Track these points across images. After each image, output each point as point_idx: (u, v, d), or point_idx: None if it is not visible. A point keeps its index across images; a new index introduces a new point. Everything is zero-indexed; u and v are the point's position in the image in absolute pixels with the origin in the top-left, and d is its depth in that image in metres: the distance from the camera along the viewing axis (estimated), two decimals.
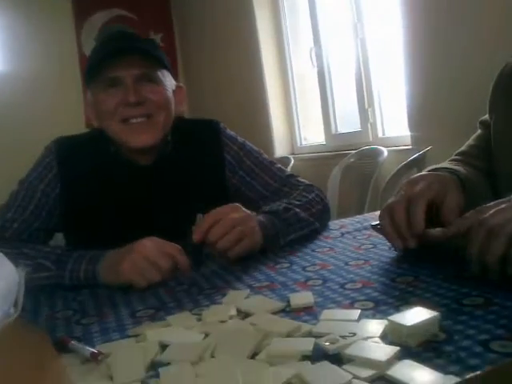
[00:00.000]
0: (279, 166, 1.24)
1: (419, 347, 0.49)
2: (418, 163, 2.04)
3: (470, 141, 1.03)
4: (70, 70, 3.76)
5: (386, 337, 0.52)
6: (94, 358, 0.55)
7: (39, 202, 1.08)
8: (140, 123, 1.07)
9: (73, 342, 0.60)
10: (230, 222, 0.89)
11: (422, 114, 2.31)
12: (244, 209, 0.95)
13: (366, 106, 2.83)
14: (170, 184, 1.14)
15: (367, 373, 0.45)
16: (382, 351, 0.47)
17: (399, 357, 0.47)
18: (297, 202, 1.08)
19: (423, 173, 0.85)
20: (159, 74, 1.10)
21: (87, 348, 0.57)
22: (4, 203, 1.10)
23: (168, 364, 0.52)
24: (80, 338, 0.65)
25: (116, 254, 0.90)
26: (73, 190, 1.10)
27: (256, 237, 0.93)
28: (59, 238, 1.20)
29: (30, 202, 1.08)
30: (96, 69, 1.06)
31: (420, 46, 2.25)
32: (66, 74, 3.77)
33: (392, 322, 0.52)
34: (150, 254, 0.86)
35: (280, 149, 3.42)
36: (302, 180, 1.21)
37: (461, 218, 0.71)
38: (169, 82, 1.13)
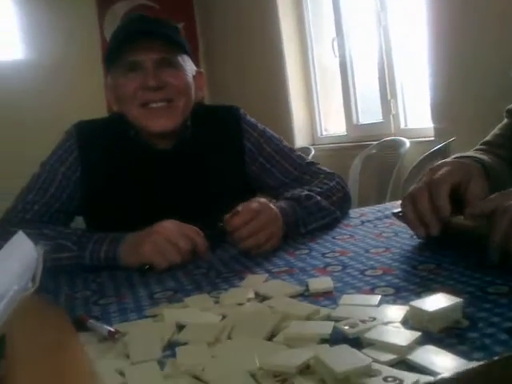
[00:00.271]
0: (299, 153, 1.22)
1: (441, 333, 0.48)
2: (442, 154, 2.01)
3: (496, 130, 1.01)
4: (92, 57, 3.77)
5: (406, 322, 0.51)
6: (111, 336, 0.55)
7: (60, 185, 1.09)
8: (160, 108, 1.06)
9: (91, 320, 0.60)
10: (259, 223, 0.88)
11: (445, 106, 2.27)
12: (272, 206, 0.94)
13: (389, 97, 2.79)
14: (188, 169, 1.13)
15: (387, 357, 0.44)
16: (402, 336, 0.46)
17: (420, 342, 0.46)
18: (318, 190, 1.06)
19: (446, 160, 0.83)
20: (179, 58, 1.09)
21: (105, 326, 0.57)
22: (25, 185, 1.11)
23: (184, 344, 0.52)
24: (98, 317, 0.65)
25: (136, 235, 0.90)
26: (93, 173, 1.11)
27: (280, 236, 0.93)
28: (79, 222, 1.21)
29: (51, 184, 1.09)
30: (116, 52, 1.06)
31: (445, 35, 2.20)
32: (88, 62, 3.79)
33: (413, 308, 0.50)
34: (170, 235, 0.86)
35: (300, 139, 3.40)
36: (323, 168, 1.19)
37: (485, 200, 0.69)
38: (189, 67, 1.12)
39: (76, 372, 0.46)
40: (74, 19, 3.90)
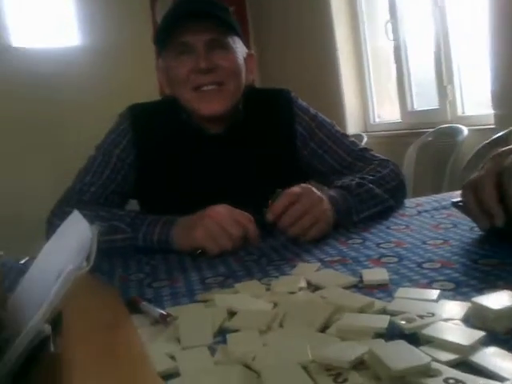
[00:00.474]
0: (352, 139, 1.19)
1: (508, 334, 0.45)
2: (503, 142, 1.91)
3: None
4: (144, 41, 3.81)
5: (468, 320, 0.48)
6: (163, 319, 0.55)
7: (114, 167, 1.11)
8: (210, 91, 1.06)
9: (144, 302, 0.61)
10: (302, 207, 0.86)
11: (507, 91, 2.15)
12: (315, 190, 0.92)
13: (445, 83, 2.68)
14: (240, 153, 1.13)
15: (448, 356, 0.41)
16: (464, 335, 0.44)
17: (484, 343, 0.43)
18: (370, 177, 1.03)
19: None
20: (230, 40, 1.08)
21: (157, 309, 0.57)
22: (82, 167, 1.13)
23: (235, 331, 0.52)
24: (151, 300, 0.65)
25: (189, 219, 0.91)
26: (146, 156, 1.12)
27: (328, 219, 0.91)
28: (133, 205, 1.23)
29: (106, 166, 1.11)
30: (166, 34, 1.05)
31: (508, 15, 2.07)
32: (141, 46, 3.83)
33: (476, 305, 0.48)
34: (222, 221, 0.86)
35: (352, 126, 3.33)
36: (377, 154, 1.16)
37: None
38: (240, 48, 1.11)
39: (128, 353, 0.46)
40: (127, 4, 3.95)
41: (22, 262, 0.89)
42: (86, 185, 1.09)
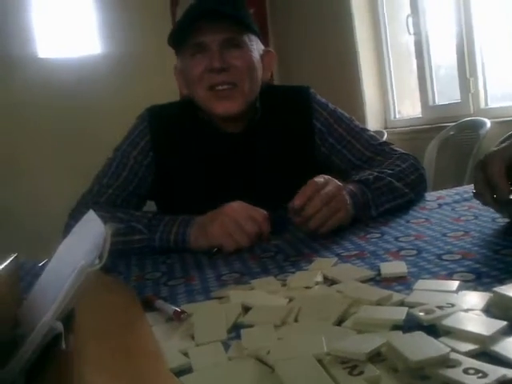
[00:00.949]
0: (372, 133, 1.18)
1: None
2: None
3: None
4: (165, 47, 3.85)
5: (489, 310, 0.46)
6: (177, 316, 0.54)
7: (132, 169, 1.11)
8: (224, 90, 1.05)
9: (159, 300, 0.60)
10: (324, 197, 0.85)
11: None
12: (336, 180, 0.91)
13: (468, 76, 2.63)
14: (259, 152, 1.12)
15: (468, 347, 0.40)
16: (485, 325, 0.42)
17: (506, 332, 0.41)
18: (389, 171, 1.01)
19: None
20: (246, 38, 1.07)
21: (171, 306, 0.57)
22: (100, 170, 1.14)
23: (250, 326, 0.51)
24: (166, 298, 0.65)
25: (205, 217, 0.91)
26: (164, 157, 1.12)
27: (348, 209, 0.90)
28: (151, 207, 1.23)
29: (124, 168, 1.11)
30: (181, 34, 1.06)
31: None
32: (161, 51, 3.87)
33: (498, 294, 0.46)
34: (238, 217, 0.86)
35: (372, 122, 3.29)
36: (397, 148, 1.14)
37: None
38: (255, 46, 1.10)
39: (141, 350, 0.46)
40: (147, 12, 3.99)
41: (41, 264, 0.90)
42: (103, 187, 1.10)
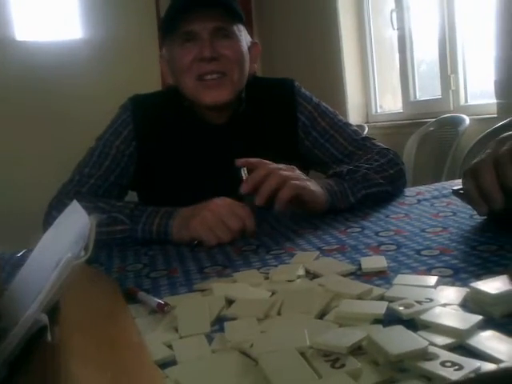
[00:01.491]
0: (354, 128, 1.19)
1: (504, 318, 0.45)
2: (505, 131, 1.90)
3: None
4: (148, 34, 3.81)
5: (466, 305, 0.48)
6: (160, 308, 0.55)
7: (114, 158, 1.11)
8: (214, 80, 1.06)
9: (141, 292, 0.61)
10: (282, 177, 0.85)
11: (510, 80, 2.14)
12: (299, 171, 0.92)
13: (449, 72, 2.66)
14: (242, 143, 1.12)
15: (445, 340, 0.41)
16: (462, 319, 0.44)
17: (481, 327, 0.43)
18: (366, 165, 1.03)
19: None
20: (235, 28, 1.08)
21: (154, 299, 0.57)
22: (81, 159, 1.13)
23: (233, 319, 0.52)
24: (148, 290, 0.65)
25: (188, 210, 0.91)
26: (147, 147, 1.12)
27: (311, 186, 0.90)
28: (133, 197, 1.23)
29: (106, 158, 1.10)
30: (172, 22, 1.05)
31: None
32: (144, 39, 3.83)
33: (474, 289, 0.48)
34: (221, 213, 0.86)
35: (354, 116, 3.31)
36: (378, 143, 1.16)
37: None
38: (244, 37, 1.10)
39: (125, 343, 0.46)
40: None
41: (19, 254, 0.89)
42: (84, 176, 1.09)
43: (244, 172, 0.91)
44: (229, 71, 1.06)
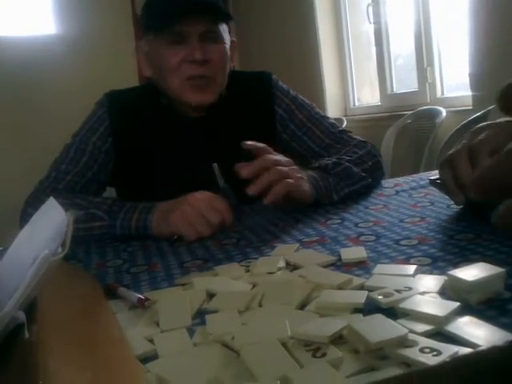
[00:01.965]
0: (332, 120, 1.19)
1: (481, 305, 0.46)
2: (480, 123, 1.93)
3: None
4: (122, 31, 3.77)
5: (444, 292, 0.49)
6: (141, 303, 0.54)
7: (91, 155, 1.09)
8: (201, 82, 1.06)
9: (121, 288, 0.60)
10: (280, 173, 0.86)
11: (485, 73, 2.18)
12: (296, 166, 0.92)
13: (425, 65, 2.69)
14: (221, 137, 1.12)
15: (424, 328, 0.42)
16: (439, 306, 0.44)
17: (459, 313, 0.44)
18: (347, 158, 1.04)
19: (490, 122, 0.78)
20: (221, 29, 1.07)
21: (134, 294, 0.57)
22: (58, 156, 1.12)
23: (215, 312, 0.52)
24: (129, 285, 0.65)
25: (167, 205, 0.90)
26: (124, 143, 1.11)
27: (303, 186, 0.90)
28: (111, 193, 1.22)
29: (83, 154, 1.09)
30: (162, 21, 1.03)
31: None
32: (119, 36, 3.79)
33: (452, 277, 0.48)
34: (200, 207, 0.86)
35: (332, 109, 3.33)
36: (355, 136, 1.16)
37: None
38: (227, 36, 1.10)
39: (105, 339, 0.46)
40: None
41: None
42: (61, 173, 1.07)
43: (216, 169, 0.92)
44: (215, 75, 1.07)
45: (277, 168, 0.86)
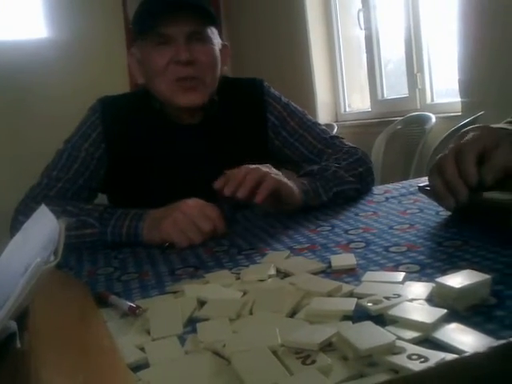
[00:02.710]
0: (323, 127, 1.21)
1: (468, 311, 0.47)
2: None
3: None
4: (115, 34, 3.77)
5: (432, 299, 0.49)
6: (132, 311, 0.55)
7: (83, 161, 1.09)
8: (188, 83, 1.06)
9: (112, 296, 0.60)
10: (245, 170, 0.86)
11: (474, 80, 2.20)
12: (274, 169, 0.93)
13: (415, 71, 2.72)
14: (213, 144, 1.13)
15: (411, 334, 0.42)
16: (427, 313, 0.45)
17: (446, 320, 0.44)
18: (336, 164, 1.05)
19: (475, 126, 0.79)
20: (209, 31, 1.07)
21: (126, 302, 0.57)
22: (49, 162, 1.11)
23: (205, 320, 0.52)
24: (120, 293, 0.65)
25: (158, 212, 0.90)
26: (117, 148, 1.11)
27: (289, 183, 0.91)
28: (103, 200, 1.21)
29: (75, 161, 1.09)
30: (146, 23, 1.04)
31: (475, 6, 2.12)
32: (111, 39, 3.79)
33: (439, 285, 0.49)
34: (192, 214, 0.86)
35: (323, 115, 3.35)
36: (347, 142, 1.18)
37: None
38: (216, 39, 1.11)
39: (97, 347, 0.46)
40: None
41: None
42: (52, 180, 1.07)
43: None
44: (203, 76, 1.07)
45: (256, 168, 0.87)
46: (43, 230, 0.51)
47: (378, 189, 1.13)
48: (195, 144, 1.12)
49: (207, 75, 1.08)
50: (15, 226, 1.00)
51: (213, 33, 1.09)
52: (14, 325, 0.43)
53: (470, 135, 0.73)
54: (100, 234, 0.92)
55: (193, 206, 0.88)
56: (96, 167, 1.11)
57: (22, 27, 3.76)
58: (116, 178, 1.13)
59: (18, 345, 0.42)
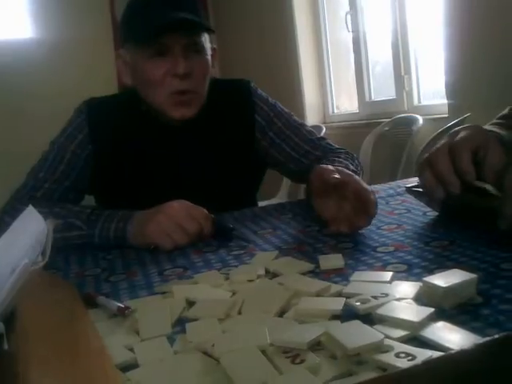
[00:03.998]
0: (309, 128, 1.21)
1: (454, 310, 0.47)
2: None
3: None
4: (102, 35, 3.75)
5: (419, 298, 0.50)
6: (121, 312, 0.54)
7: (69, 162, 1.08)
8: (186, 97, 1.05)
9: (100, 296, 0.60)
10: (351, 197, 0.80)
11: (460, 82, 2.22)
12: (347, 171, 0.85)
13: (402, 73, 2.74)
14: (200, 145, 1.13)
15: (399, 333, 0.43)
16: (415, 312, 0.45)
17: (433, 318, 0.45)
18: (352, 168, 1.05)
19: (466, 125, 0.79)
20: (203, 40, 1.07)
21: (114, 303, 0.57)
22: (35, 164, 1.11)
23: (195, 320, 0.52)
24: (108, 294, 0.65)
25: (144, 214, 0.90)
26: (103, 151, 1.10)
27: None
28: (90, 201, 1.21)
29: (61, 162, 1.08)
30: (145, 33, 1.01)
31: (461, 9, 2.14)
32: (98, 40, 3.77)
33: (426, 283, 0.50)
34: (177, 216, 0.85)
35: (311, 117, 3.36)
36: (333, 144, 1.19)
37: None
38: (208, 46, 1.10)
39: (85, 348, 0.46)
40: None
41: None
42: (39, 181, 1.06)
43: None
44: (197, 88, 1.06)
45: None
46: (30, 230, 0.51)
47: None
48: (182, 145, 1.12)
49: (202, 87, 1.08)
50: (1, 227, 0.99)
51: (206, 40, 1.08)
52: (1, 326, 0.42)
53: (462, 134, 0.73)
54: (87, 237, 0.91)
55: (178, 207, 0.87)
56: (82, 168, 1.10)
57: (7, 27, 3.72)
58: (103, 179, 1.12)
59: (6, 346, 0.42)
